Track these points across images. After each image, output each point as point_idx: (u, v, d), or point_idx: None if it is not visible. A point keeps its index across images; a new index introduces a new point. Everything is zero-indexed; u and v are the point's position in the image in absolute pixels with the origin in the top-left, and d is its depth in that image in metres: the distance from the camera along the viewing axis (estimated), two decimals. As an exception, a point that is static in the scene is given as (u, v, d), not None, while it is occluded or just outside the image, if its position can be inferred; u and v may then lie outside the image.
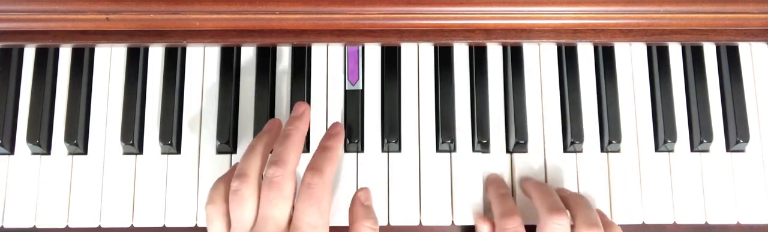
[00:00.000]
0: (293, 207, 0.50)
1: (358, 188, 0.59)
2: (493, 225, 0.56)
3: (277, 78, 0.62)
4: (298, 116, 0.55)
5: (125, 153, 0.60)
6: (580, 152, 0.60)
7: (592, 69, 0.62)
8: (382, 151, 0.60)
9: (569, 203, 0.54)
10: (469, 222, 0.59)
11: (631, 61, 0.62)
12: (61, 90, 0.61)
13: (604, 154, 0.60)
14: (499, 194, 0.56)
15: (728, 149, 0.61)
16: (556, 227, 0.50)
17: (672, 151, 0.60)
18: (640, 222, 0.59)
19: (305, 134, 0.54)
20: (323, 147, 0.54)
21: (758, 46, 0.63)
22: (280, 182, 0.49)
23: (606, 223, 0.53)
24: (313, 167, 0.51)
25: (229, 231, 0.50)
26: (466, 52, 0.62)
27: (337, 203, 0.58)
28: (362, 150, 0.60)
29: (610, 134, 0.60)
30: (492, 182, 0.58)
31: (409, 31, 0.60)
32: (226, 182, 0.52)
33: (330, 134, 0.56)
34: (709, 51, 0.63)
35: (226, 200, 0.51)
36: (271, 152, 0.54)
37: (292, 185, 0.49)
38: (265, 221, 0.48)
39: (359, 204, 0.55)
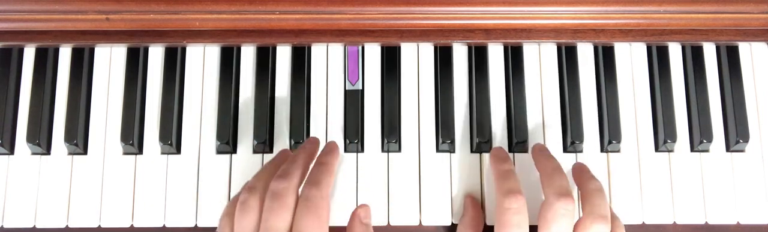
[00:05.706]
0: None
1: (358, 201, 0.59)
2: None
3: (277, 78, 0.62)
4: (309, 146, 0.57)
5: (125, 153, 0.60)
6: (580, 151, 0.60)
7: (592, 69, 0.62)
8: (382, 151, 0.60)
9: (585, 189, 0.53)
10: (469, 222, 0.59)
11: (631, 61, 0.62)
12: (61, 90, 0.61)
13: (604, 154, 0.60)
14: (503, 170, 0.54)
15: (728, 149, 0.61)
16: (562, 213, 0.49)
17: (672, 151, 0.60)
18: (640, 222, 0.59)
19: (314, 159, 0.55)
20: (320, 163, 0.54)
21: (758, 46, 0.63)
22: (283, 193, 0.50)
23: (613, 217, 0.52)
24: (311, 181, 0.52)
25: None
26: (466, 52, 0.62)
27: (337, 203, 0.59)
28: (362, 150, 0.60)
29: (610, 134, 0.60)
30: (495, 156, 0.56)
31: (409, 31, 0.60)
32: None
33: (326, 150, 0.56)
34: (709, 51, 0.63)
35: None
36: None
37: (294, 197, 0.50)
38: (266, 231, 0.48)
39: (358, 221, 0.56)
